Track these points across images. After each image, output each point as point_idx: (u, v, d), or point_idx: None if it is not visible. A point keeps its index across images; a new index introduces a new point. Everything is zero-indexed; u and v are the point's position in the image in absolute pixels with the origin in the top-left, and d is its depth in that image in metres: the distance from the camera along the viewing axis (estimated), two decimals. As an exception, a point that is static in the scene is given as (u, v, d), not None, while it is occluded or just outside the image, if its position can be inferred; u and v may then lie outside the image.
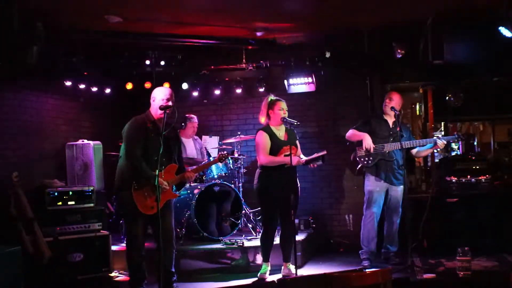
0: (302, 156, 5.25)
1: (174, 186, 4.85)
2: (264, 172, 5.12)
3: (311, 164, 5.12)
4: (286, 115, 5.15)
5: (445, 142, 5.49)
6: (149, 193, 4.55)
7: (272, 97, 5.25)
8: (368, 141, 5.50)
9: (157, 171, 4.25)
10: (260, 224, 6.42)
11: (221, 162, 5.51)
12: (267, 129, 5.17)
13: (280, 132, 5.20)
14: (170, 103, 4.58)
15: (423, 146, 5.62)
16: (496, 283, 4.60)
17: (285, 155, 5.05)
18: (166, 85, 6.97)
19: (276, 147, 5.08)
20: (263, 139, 5.10)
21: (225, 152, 5.33)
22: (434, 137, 5.74)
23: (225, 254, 5.77)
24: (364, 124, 5.67)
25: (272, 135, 5.12)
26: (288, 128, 5.25)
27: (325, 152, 5.02)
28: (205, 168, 5.84)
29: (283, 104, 5.18)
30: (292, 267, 5.17)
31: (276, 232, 5.33)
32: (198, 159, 6.63)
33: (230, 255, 5.74)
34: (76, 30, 5.97)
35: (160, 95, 4.64)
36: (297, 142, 5.34)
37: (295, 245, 5.14)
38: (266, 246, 5.23)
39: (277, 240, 5.39)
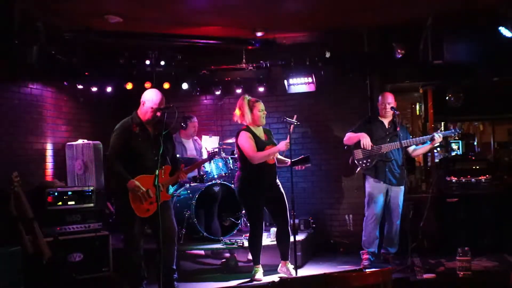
0: (280, 156, 5.21)
1: (169, 187, 4.82)
2: (245, 175, 5.03)
3: (298, 166, 5.05)
4: (265, 116, 5.09)
5: (442, 136, 5.47)
6: (144, 196, 4.54)
7: (248, 97, 5.12)
8: (366, 140, 5.47)
9: (157, 171, 4.25)
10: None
11: (211, 160, 5.47)
12: (248, 129, 5.04)
13: (260, 132, 5.11)
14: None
15: (421, 143, 5.57)
16: (496, 283, 4.60)
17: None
18: (166, 85, 6.98)
19: (259, 147, 4.99)
20: (249, 139, 4.95)
21: (214, 149, 5.34)
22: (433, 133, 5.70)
23: (225, 254, 5.76)
24: (361, 127, 5.64)
25: (254, 136, 5.02)
26: (265, 128, 5.21)
27: (308, 155, 5.03)
28: (196, 168, 5.82)
29: (262, 105, 5.07)
30: (290, 267, 5.14)
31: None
32: (198, 159, 6.62)
33: (230, 255, 5.73)
34: (76, 30, 5.98)
35: (152, 102, 4.62)
36: (275, 141, 5.24)
37: (295, 245, 5.11)
38: (256, 248, 5.14)
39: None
